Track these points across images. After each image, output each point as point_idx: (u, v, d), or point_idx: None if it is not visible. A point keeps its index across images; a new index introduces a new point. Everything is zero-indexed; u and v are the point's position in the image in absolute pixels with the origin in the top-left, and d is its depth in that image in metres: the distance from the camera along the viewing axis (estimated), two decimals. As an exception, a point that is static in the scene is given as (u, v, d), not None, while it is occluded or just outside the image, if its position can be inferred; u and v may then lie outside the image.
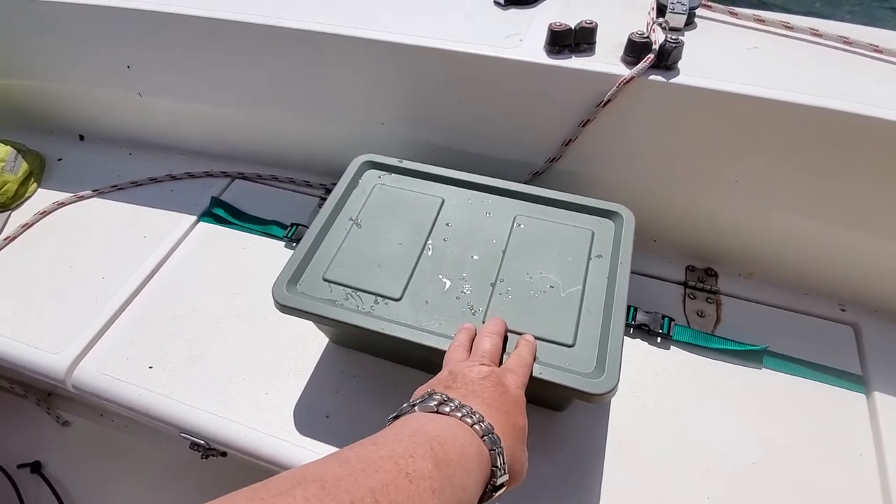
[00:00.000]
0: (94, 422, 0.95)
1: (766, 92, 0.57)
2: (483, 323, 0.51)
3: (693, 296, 0.70)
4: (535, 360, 0.47)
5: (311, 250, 0.57)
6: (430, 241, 0.58)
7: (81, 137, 0.97)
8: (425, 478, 0.29)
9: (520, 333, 0.50)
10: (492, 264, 0.56)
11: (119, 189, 0.86)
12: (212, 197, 0.83)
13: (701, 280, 0.71)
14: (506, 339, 0.49)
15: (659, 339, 0.65)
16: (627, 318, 0.65)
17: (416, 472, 0.29)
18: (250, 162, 0.90)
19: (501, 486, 0.36)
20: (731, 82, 0.58)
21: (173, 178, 0.88)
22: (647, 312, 0.66)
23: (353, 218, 0.61)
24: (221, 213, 0.81)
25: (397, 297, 0.53)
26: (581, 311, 0.51)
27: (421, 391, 0.41)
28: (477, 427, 0.35)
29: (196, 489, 0.87)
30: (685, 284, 0.71)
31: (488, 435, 0.35)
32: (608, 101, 0.60)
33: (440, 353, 0.48)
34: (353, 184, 0.64)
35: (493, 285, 0.54)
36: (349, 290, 0.54)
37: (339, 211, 0.61)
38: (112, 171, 0.89)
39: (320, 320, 0.52)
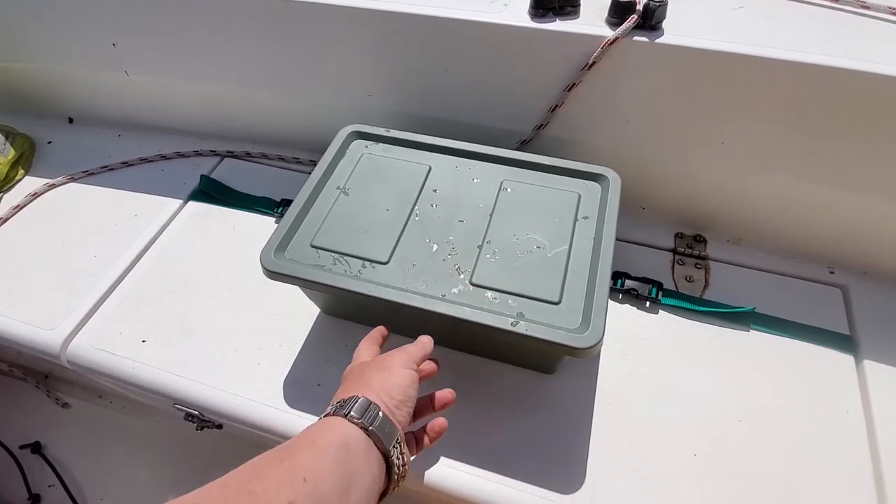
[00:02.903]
0: (93, 403, 0.96)
1: (752, 49, 0.56)
2: (470, 282, 0.52)
3: (682, 262, 0.70)
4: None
5: (299, 218, 0.57)
6: (417, 207, 0.58)
7: (71, 120, 0.97)
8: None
9: (507, 293, 0.50)
10: (479, 227, 0.56)
11: (109, 170, 0.86)
12: (201, 175, 0.83)
13: (690, 246, 0.71)
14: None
15: (648, 304, 0.66)
16: (616, 284, 0.66)
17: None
18: (239, 140, 0.90)
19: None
20: (715, 41, 0.57)
21: (163, 157, 0.88)
22: (635, 278, 0.66)
23: (341, 186, 0.61)
24: (211, 190, 0.81)
25: (385, 260, 0.54)
26: (567, 269, 0.52)
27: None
28: (350, 415, 0.40)
29: (194, 464, 0.88)
30: (674, 251, 0.71)
31: (352, 407, 0.41)
32: (593, 63, 0.60)
33: (428, 315, 0.48)
34: (341, 154, 0.64)
35: (479, 247, 0.54)
36: (337, 256, 0.54)
37: (327, 180, 0.61)
38: (102, 152, 0.89)
39: (308, 285, 0.53)
